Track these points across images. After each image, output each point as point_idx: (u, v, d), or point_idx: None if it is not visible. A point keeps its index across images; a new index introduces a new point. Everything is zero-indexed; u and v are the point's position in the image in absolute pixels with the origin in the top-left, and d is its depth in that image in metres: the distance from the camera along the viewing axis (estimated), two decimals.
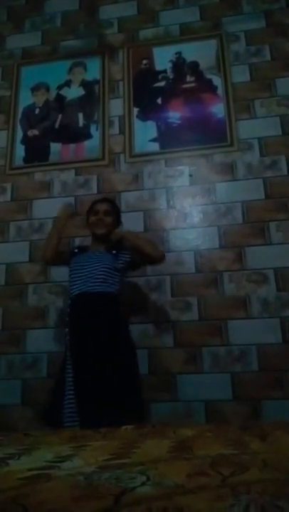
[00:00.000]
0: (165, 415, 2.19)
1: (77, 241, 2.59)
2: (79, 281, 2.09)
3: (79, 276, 2.11)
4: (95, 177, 2.76)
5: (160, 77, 2.94)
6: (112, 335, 1.99)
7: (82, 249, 2.27)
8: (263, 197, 2.54)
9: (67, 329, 2.05)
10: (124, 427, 1.32)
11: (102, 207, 2.25)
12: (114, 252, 2.16)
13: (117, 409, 1.79)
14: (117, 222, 2.28)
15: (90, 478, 0.68)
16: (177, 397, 2.25)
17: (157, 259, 2.15)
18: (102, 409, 1.78)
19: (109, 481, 0.65)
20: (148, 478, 0.66)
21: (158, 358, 2.33)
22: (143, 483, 0.63)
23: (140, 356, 2.17)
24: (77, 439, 1.17)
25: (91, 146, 2.85)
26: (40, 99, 3.05)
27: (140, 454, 0.89)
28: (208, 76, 2.87)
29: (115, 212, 2.28)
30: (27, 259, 2.64)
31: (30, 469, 0.76)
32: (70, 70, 3.08)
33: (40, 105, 3.03)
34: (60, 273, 2.45)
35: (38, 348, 2.44)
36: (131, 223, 2.46)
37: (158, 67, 2.97)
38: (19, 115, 3.02)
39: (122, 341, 2.02)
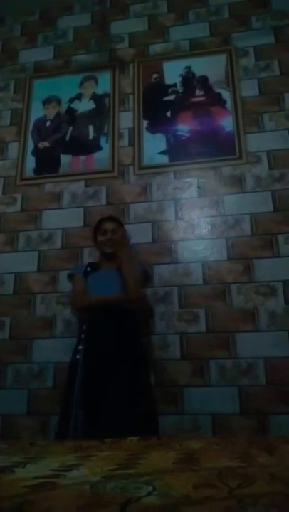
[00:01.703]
0: (171, 428, 2.17)
1: (85, 251, 2.60)
2: None
3: (96, 295, 2.13)
4: (104, 188, 2.79)
5: (170, 90, 2.98)
6: (129, 353, 2.02)
7: (94, 266, 2.29)
8: (272, 209, 2.54)
9: (81, 347, 2.05)
10: (129, 439, 1.31)
11: (110, 226, 2.31)
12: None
13: (134, 422, 1.79)
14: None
15: (96, 487, 0.67)
16: (184, 409, 2.23)
17: (129, 296, 2.11)
18: (122, 422, 1.78)
19: (114, 490, 0.65)
20: (154, 488, 0.65)
21: (164, 370, 2.31)
22: (149, 493, 0.63)
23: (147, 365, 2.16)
24: (82, 449, 1.17)
25: (101, 158, 2.88)
26: (51, 111, 3.10)
27: (146, 465, 0.89)
28: (218, 90, 2.90)
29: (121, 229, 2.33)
30: (35, 269, 2.65)
31: (35, 477, 0.76)
32: (81, 83, 3.14)
33: (52, 118, 3.08)
34: (68, 283, 2.47)
35: (45, 358, 2.44)
36: (139, 234, 2.47)
37: (168, 81, 3.01)
38: (30, 127, 3.07)
39: (138, 358, 2.07)
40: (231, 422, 2.16)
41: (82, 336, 2.10)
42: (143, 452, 1.08)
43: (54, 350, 2.43)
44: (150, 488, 0.65)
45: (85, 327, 2.11)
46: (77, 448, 1.19)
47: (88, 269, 2.30)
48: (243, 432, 2.12)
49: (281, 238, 2.46)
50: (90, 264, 2.35)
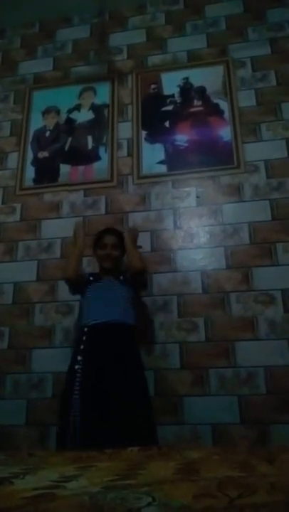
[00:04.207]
0: (171, 438, 2.15)
1: (84, 260, 2.60)
2: (98, 312, 2.11)
3: (98, 307, 2.13)
4: (103, 198, 2.80)
5: (168, 101, 3.01)
6: (132, 367, 2.02)
7: (96, 277, 2.30)
8: (270, 218, 2.55)
9: (79, 357, 2.04)
10: (129, 449, 1.30)
11: (110, 241, 2.30)
12: (121, 278, 2.23)
13: (132, 434, 1.78)
14: (123, 251, 2.35)
15: (95, 497, 0.67)
16: (183, 419, 2.21)
17: (137, 268, 2.20)
18: (121, 434, 1.77)
19: (114, 501, 0.65)
20: (154, 499, 0.65)
21: (164, 380, 2.30)
22: (149, 504, 0.62)
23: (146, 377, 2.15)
24: (82, 459, 1.16)
25: (100, 167, 2.90)
26: (50, 122, 3.13)
27: (146, 476, 0.88)
28: (215, 100, 2.94)
29: (121, 243, 2.34)
30: (34, 278, 2.66)
31: (35, 488, 0.76)
32: (80, 94, 3.17)
33: (51, 128, 3.11)
34: (66, 293, 2.46)
35: (44, 368, 2.43)
36: (138, 243, 2.47)
37: (166, 91, 3.04)
38: (30, 138, 3.10)
39: (140, 372, 2.06)
40: (231, 431, 2.15)
41: (82, 346, 2.08)
42: (143, 462, 1.07)
43: (53, 360, 2.42)
44: (150, 499, 0.65)
45: (84, 338, 2.10)
46: (77, 459, 1.18)
47: (91, 278, 2.30)
48: (243, 441, 2.10)
49: (280, 247, 2.47)
50: (91, 274, 2.35)
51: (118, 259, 2.34)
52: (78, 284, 2.27)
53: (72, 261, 2.28)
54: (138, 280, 2.28)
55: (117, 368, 1.96)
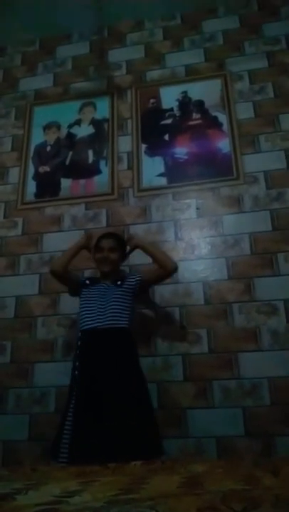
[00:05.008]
0: (175, 452, 2.13)
1: (86, 273, 2.60)
2: (91, 316, 2.10)
3: (91, 311, 2.12)
4: (104, 211, 2.82)
5: (167, 115, 3.05)
6: (125, 370, 1.98)
7: (93, 281, 2.29)
8: (271, 228, 2.56)
9: (77, 363, 2.03)
10: (133, 463, 1.29)
11: (107, 244, 2.29)
12: (118, 282, 2.20)
13: (135, 443, 1.75)
14: (123, 255, 2.34)
15: None
16: (187, 432, 2.19)
17: (169, 268, 2.20)
18: (120, 443, 1.74)
19: None
20: None
21: (167, 392, 2.28)
22: None
23: (149, 390, 2.13)
24: (85, 474, 1.15)
25: (100, 181, 2.93)
26: (51, 137, 3.17)
27: (149, 490, 0.87)
28: (214, 113, 2.97)
29: (120, 246, 2.33)
30: (37, 291, 2.66)
31: (37, 504, 0.75)
32: (81, 109, 3.22)
33: (52, 143, 3.15)
34: (68, 306, 2.47)
35: (47, 382, 2.41)
36: (140, 255, 2.48)
37: (165, 105, 3.08)
38: (31, 153, 3.13)
39: (135, 376, 2.02)
40: (236, 444, 2.13)
41: (78, 351, 2.08)
42: (146, 477, 1.06)
43: (56, 374, 2.40)
44: None
45: (79, 343, 2.09)
46: (80, 473, 1.17)
47: (87, 282, 2.29)
48: (248, 454, 2.08)
49: (281, 257, 2.47)
50: (89, 278, 2.35)
51: (116, 263, 2.31)
52: (65, 280, 2.29)
53: (64, 255, 2.31)
54: (155, 282, 2.32)
55: (110, 372, 1.94)
